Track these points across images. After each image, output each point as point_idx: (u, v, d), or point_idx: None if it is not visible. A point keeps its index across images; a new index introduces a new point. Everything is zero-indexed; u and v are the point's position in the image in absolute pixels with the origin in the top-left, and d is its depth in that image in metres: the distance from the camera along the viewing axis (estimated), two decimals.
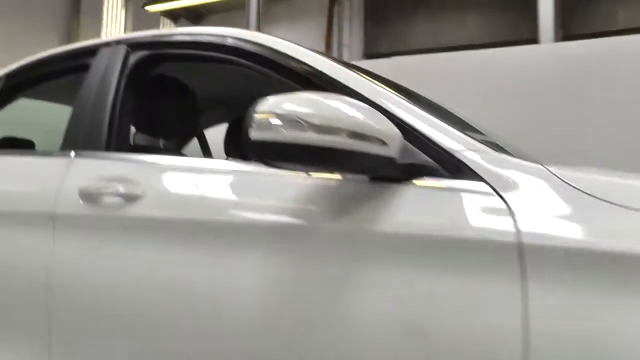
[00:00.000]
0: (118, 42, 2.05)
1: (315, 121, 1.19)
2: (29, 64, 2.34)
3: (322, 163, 1.25)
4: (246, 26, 8.49)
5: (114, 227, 1.66)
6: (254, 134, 1.21)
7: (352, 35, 12.39)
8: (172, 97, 2.17)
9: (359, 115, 1.23)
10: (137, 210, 1.62)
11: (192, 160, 1.73)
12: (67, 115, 2.05)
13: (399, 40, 12.11)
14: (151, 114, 2.13)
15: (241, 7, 13.17)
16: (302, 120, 1.19)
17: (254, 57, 1.75)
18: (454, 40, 11.43)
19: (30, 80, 2.42)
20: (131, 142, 2.14)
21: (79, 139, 1.90)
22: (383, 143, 1.23)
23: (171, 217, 1.58)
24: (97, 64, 2.03)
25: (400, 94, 1.56)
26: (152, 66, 2.06)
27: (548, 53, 5.30)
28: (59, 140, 1.99)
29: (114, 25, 13.58)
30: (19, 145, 2.97)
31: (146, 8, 12.77)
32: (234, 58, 1.79)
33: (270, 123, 1.19)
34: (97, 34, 12.85)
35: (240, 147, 2.67)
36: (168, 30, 2.03)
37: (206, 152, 3.21)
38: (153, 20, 14.11)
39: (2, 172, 2.09)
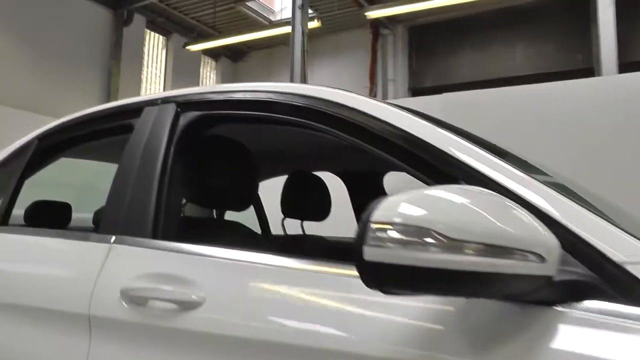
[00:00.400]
0: (165, 101, 1.73)
1: (446, 231, 0.86)
2: (63, 125, 2.04)
3: (455, 289, 0.90)
4: (290, 62, 8.28)
5: (165, 339, 1.32)
6: (369, 254, 0.87)
7: (396, 70, 12.12)
8: (230, 163, 1.83)
9: (506, 221, 0.88)
10: (196, 320, 1.27)
11: (267, 258, 1.34)
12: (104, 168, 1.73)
13: (445, 74, 11.78)
14: (205, 183, 1.80)
15: (283, 43, 13.07)
16: (429, 231, 0.85)
17: (333, 120, 1.41)
18: (502, 72, 11.07)
19: (67, 142, 2.13)
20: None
21: (120, 219, 1.56)
22: (539, 258, 0.87)
23: (241, 335, 1.22)
24: (142, 126, 1.71)
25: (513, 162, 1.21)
26: (205, 128, 1.74)
27: (607, 85, 4.95)
28: (95, 197, 1.67)
29: (154, 65, 13.60)
30: (55, 210, 2.70)
31: (187, 47, 12.74)
32: (308, 122, 1.46)
33: (389, 237, 0.86)
34: (138, 74, 12.88)
35: (300, 207, 2.34)
36: (223, 86, 1.71)
37: (260, 214, 2.88)
38: (194, 60, 14.11)
39: (33, 258, 1.78)
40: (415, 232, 0.86)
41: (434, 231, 0.86)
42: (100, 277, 1.47)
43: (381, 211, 0.89)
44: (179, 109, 1.69)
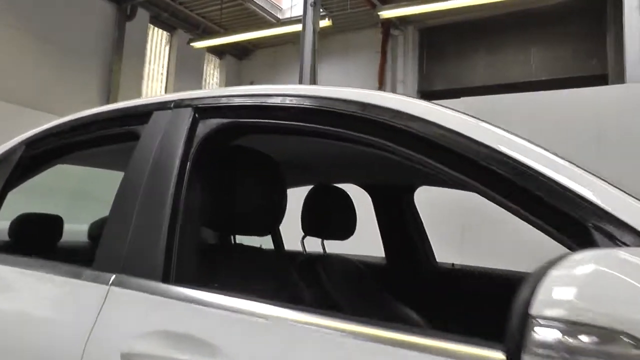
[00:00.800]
0: (179, 104, 1.39)
1: None
2: (54, 129, 1.71)
3: None
4: (300, 62, 7.95)
5: None
6: None
7: (406, 71, 11.79)
8: (259, 181, 1.50)
9: None
10: None
11: (319, 318, 0.98)
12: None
13: (456, 77, 11.46)
14: (230, 207, 1.46)
15: (290, 42, 12.75)
16: (621, 335, 0.57)
17: (405, 137, 1.07)
18: (515, 76, 10.75)
19: (59, 149, 1.80)
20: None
21: (121, 253, 1.23)
22: None
23: None
24: (150, 135, 1.38)
25: None
26: (229, 139, 1.40)
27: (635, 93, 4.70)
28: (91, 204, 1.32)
29: (157, 62, 13.25)
30: (44, 223, 2.36)
31: (192, 44, 12.40)
32: (369, 137, 1.12)
33: (560, 343, 0.58)
34: (140, 70, 12.54)
35: (323, 225, 2.02)
36: (254, 88, 1.36)
37: (277, 240, 2.56)
38: (197, 57, 13.79)
39: (9, 298, 1.43)
40: (599, 335, 0.55)
41: (630, 336, 0.55)
42: (94, 331, 1.14)
43: (545, 297, 0.58)
44: (196, 115, 1.36)
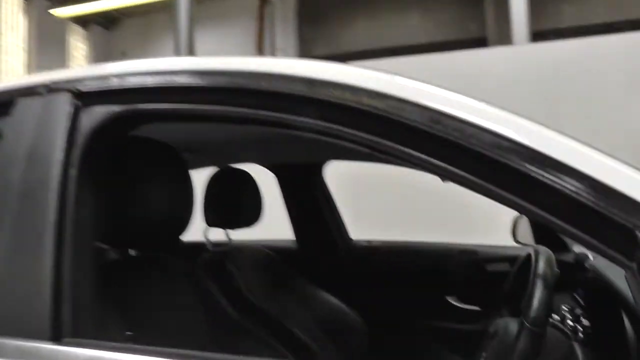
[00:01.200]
0: (54, 89, 1.06)
1: None
2: None
3: None
4: (174, 30, 7.46)
5: None
6: None
7: (286, 38, 11.50)
8: (161, 182, 1.21)
9: None
10: None
11: None
12: None
13: (336, 42, 11.37)
14: (129, 216, 1.16)
15: (161, 10, 11.96)
16: None
17: (363, 118, 0.84)
18: (397, 40, 10.84)
19: None
20: None
21: None
22: None
23: None
24: (15, 131, 1.04)
25: None
26: (124, 131, 1.09)
27: (522, 55, 4.91)
28: None
29: (11, 34, 11.97)
30: None
31: (51, 12, 11.33)
32: (307, 120, 0.86)
33: None
34: None
35: (228, 213, 1.82)
36: (157, 63, 1.05)
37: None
38: (60, 28, 12.67)
39: None
40: None
41: None
42: None
43: None
44: (78, 102, 1.03)
